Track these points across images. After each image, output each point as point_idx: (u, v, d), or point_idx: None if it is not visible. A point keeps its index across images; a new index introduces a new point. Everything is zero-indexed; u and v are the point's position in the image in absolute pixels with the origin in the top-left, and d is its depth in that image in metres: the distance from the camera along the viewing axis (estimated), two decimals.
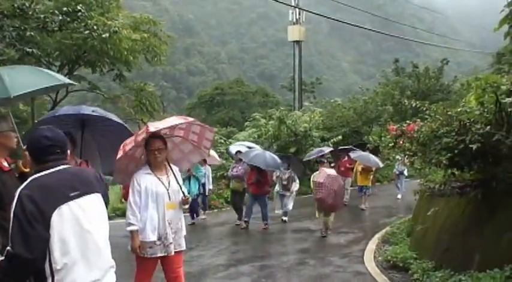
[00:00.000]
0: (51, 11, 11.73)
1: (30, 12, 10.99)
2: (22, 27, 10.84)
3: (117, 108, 15.92)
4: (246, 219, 12.42)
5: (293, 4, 38.46)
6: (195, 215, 13.03)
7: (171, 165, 5.18)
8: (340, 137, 21.13)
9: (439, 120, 7.32)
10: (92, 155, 6.46)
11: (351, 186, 17.25)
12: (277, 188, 13.38)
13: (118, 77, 15.90)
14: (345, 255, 9.72)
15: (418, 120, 8.08)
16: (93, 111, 6.11)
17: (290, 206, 13.18)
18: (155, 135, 4.99)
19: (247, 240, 11.59)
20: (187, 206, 5.36)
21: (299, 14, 41.48)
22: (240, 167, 12.76)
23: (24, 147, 3.66)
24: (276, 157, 12.79)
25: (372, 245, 10.56)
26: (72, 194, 2.81)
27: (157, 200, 4.98)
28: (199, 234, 11.96)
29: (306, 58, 77.96)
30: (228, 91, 53.42)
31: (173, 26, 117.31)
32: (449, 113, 7.15)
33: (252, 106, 47.48)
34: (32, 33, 10.92)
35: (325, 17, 22.00)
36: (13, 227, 2.61)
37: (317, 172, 11.40)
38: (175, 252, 5.07)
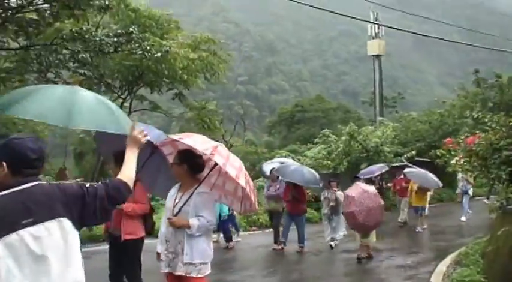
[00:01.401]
0: (106, 33, 12.06)
1: (87, 36, 11.39)
2: (76, 50, 11.27)
3: (178, 126, 16.11)
4: (283, 240, 11.56)
5: (372, 19, 38.03)
6: (232, 238, 12.21)
7: (201, 187, 4.87)
8: (414, 152, 20.11)
9: (500, 131, 6.67)
10: (155, 177, 6.27)
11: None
12: (324, 210, 12.30)
13: (177, 96, 16.08)
14: (410, 277, 9.09)
15: (478, 132, 7.44)
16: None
17: (341, 230, 12.09)
18: (179, 150, 4.91)
19: (301, 261, 11.03)
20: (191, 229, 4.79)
21: (378, 28, 40.96)
22: (278, 186, 11.83)
23: None
24: (315, 173, 12.06)
25: (442, 266, 9.73)
26: (24, 222, 2.48)
27: (166, 214, 4.94)
28: (245, 254, 11.66)
29: (389, 72, 76.38)
30: (308, 108, 53.18)
31: (255, 46, 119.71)
32: (511, 123, 6.51)
33: (333, 123, 46.81)
34: (84, 55, 11.31)
35: (403, 30, 21.32)
36: None
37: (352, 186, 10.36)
38: (175, 275, 4.84)
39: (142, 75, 14.28)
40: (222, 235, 12.11)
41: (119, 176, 2.99)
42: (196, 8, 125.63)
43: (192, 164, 4.83)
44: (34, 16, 11.29)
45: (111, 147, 6.36)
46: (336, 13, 18.00)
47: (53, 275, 2.54)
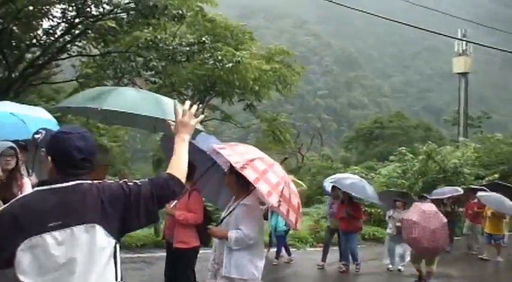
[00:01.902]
0: (179, 42, 12.30)
1: (160, 44, 11.66)
2: (148, 58, 11.56)
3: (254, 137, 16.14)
4: (344, 262, 10.92)
5: (459, 35, 36.94)
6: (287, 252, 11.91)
7: (246, 198, 4.66)
8: (496, 176, 18.99)
9: None
10: (219, 189, 6.23)
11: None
12: (388, 230, 11.61)
13: (248, 107, 16.07)
14: None
15: None
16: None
17: (406, 253, 11.20)
18: None
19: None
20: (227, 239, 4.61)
21: (466, 45, 39.73)
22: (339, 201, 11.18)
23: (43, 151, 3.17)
24: (373, 189, 11.43)
25: None
26: (51, 224, 2.26)
27: None
28: (308, 271, 11.31)
29: (475, 91, 73.22)
30: (387, 125, 51.82)
31: (336, 60, 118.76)
32: None
33: (413, 141, 45.38)
34: (155, 63, 11.56)
35: (492, 47, 20.25)
36: None
37: (410, 208, 9.64)
38: None
39: (214, 85, 14.41)
40: (281, 250, 11.83)
41: (168, 170, 2.64)
42: (278, 21, 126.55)
43: (240, 175, 4.55)
44: (113, 24, 11.76)
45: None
46: (422, 29, 17.45)
47: None
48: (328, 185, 12.18)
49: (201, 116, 2.98)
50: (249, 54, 13.83)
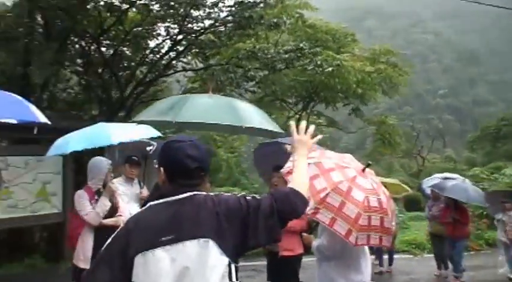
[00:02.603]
0: (277, 50, 12.33)
1: (259, 54, 11.76)
2: (246, 68, 11.69)
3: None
4: (456, 275, 9.93)
5: None
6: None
7: None
8: None
9: None
10: None
11: None
12: (499, 235, 10.56)
13: (353, 111, 15.68)
14: None
15: None
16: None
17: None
18: None
19: None
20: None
21: None
22: (441, 205, 10.27)
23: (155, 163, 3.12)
24: (480, 190, 10.36)
25: None
26: (163, 239, 2.17)
27: None
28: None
29: None
30: None
31: (457, 57, 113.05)
32: None
33: None
34: (253, 72, 11.69)
35: None
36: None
37: None
38: None
39: (317, 91, 14.28)
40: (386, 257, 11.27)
41: (289, 185, 2.51)
42: (392, 20, 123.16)
43: None
44: (212, 38, 12.14)
45: (266, 162, 6.29)
46: None
47: None
48: (426, 188, 11.31)
49: (319, 137, 2.97)
50: (350, 56, 13.57)
